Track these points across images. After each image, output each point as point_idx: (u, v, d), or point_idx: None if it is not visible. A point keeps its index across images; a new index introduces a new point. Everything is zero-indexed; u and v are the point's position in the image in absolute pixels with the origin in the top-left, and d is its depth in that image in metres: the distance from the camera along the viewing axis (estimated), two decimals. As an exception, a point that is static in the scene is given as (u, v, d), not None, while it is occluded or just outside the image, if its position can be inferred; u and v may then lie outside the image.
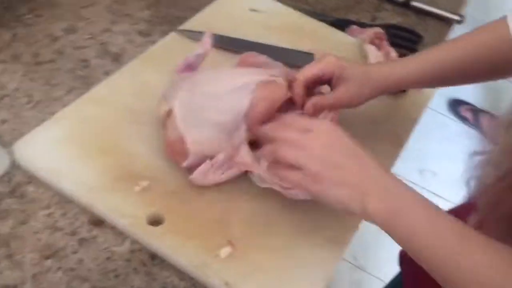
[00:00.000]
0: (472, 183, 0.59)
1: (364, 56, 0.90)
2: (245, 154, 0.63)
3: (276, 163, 0.57)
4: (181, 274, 0.58)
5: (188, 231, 0.60)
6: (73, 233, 0.60)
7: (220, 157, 0.62)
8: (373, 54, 0.88)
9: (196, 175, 0.62)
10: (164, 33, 0.88)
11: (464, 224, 0.50)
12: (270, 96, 0.63)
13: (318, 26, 0.94)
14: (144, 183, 0.63)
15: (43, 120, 0.70)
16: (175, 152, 0.63)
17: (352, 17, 1.02)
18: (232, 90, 0.64)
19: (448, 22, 1.06)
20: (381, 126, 0.79)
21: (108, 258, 0.59)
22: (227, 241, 0.59)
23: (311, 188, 0.54)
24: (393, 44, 0.92)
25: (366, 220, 0.54)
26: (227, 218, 0.62)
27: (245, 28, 0.89)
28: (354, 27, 0.96)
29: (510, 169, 0.52)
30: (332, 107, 0.66)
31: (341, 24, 0.98)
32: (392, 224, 0.51)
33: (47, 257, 0.57)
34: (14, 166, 0.64)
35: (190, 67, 0.73)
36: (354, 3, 1.06)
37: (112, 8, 0.92)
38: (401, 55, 0.91)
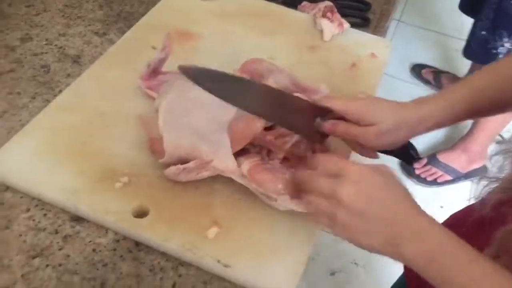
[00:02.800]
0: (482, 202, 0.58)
1: (318, 30, 0.92)
2: (228, 162, 0.63)
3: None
4: (166, 255, 0.61)
5: (174, 218, 0.62)
6: (56, 232, 0.62)
7: (191, 165, 0.62)
8: (327, 27, 0.91)
9: (168, 173, 0.64)
10: (120, 31, 0.90)
11: (495, 265, 0.48)
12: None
13: (272, 7, 0.97)
14: (125, 179, 0.64)
15: (12, 129, 0.71)
16: (153, 149, 0.65)
17: (301, -7, 1.05)
18: (216, 101, 0.63)
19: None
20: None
21: (93, 250, 0.60)
22: (213, 222, 0.61)
23: (341, 235, 0.53)
24: (344, 15, 0.95)
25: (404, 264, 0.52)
26: (210, 201, 0.64)
27: (200, 19, 0.91)
28: (305, 3, 0.99)
29: None
30: (355, 139, 0.63)
31: (293, 3, 1.00)
32: (430, 269, 0.49)
33: (34, 257, 0.59)
34: (-11, 176, 0.66)
35: (155, 72, 0.74)
36: (302, -21, 1.09)
37: (65, 12, 0.92)
38: (352, 25, 0.95)
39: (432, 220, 0.50)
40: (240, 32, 0.89)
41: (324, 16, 0.92)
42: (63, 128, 0.70)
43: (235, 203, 0.64)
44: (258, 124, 0.63)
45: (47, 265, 0.58)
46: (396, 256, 0.50)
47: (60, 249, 0.60)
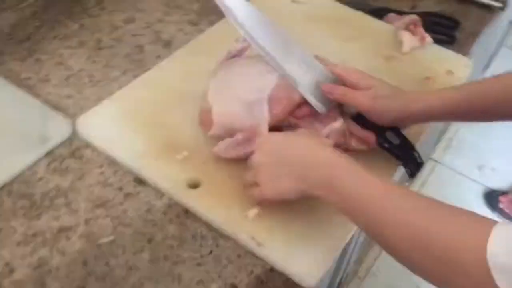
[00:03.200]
0: None
1: (399, 42, 0.94)
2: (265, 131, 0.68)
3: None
4: (209, 226, 0.66)
5: (221, 194, 0.67)
6: (120, 189, 0.70)
7: (239, 136, 0.68)
8: (407, 39, 0.92)
9: (218, 149, 0.69)
10: (211, 22, 0.97)
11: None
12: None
13: (356, 15, 0.99)
14: (185, 153, 0.72)
15: (101, 96, 0.81)
16: (202, 121, 0.72)
17: (392, 6, 1.06)
18: (260, 72, 0.71)
19: (490, 10, 1.07)
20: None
21: (148, 210, 0.68)
22: (255, 203, 0.66)
23: (266, 192, 0.62)
24: (430, 31, 0.95)
25: (317, 197, 0.58)
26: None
27: (287, 20, 0.95)
28: (392, 14, 1.00)
29: None
30: (353, 101, 0.69)
31: (379, 13, 1.02)
32: (333, 193, 0.56)
33: (98, 207, 0.67)
34: (75, 133, 0.75)
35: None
36: (396, -8, 1.10)
37: (166, 1, 1.02)
38: (437, 41, 0.95)
39: (334, 152, 0.58)
40: (322, 35, 0.93)
41: (406, 28, 0.93)
42: (142, 100, 0.78)
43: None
44: (297, 95, 0.69)
45: (107, 216, 0.67)
46: (306, 188, 0.58)
47: (120, 204, 0.68)
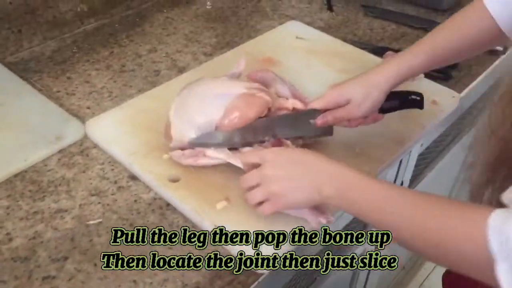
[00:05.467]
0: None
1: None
2: (221, 153, 0.76)
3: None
4: (185, 218, 0.74)
5: (196, 188, 0.75)
6: (115, 182, 0.79)
7: (187, 152, 0.77)
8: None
9: (173, 155, 0.78)
10: (223, 54, 1.09)
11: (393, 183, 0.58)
12: (244, 108, 0.76)
13: (353, 51, 1.08)
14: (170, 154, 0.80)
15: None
16: (166, 134, 0.79)
17: (394, 46, 1.13)
18: (214, 96, 0.77)
19: (491, 52, 1.12)
20: (389, 128, 0.87)
21: (135, 201, 0.77)
22: (225, 197, 0.74)
23: (279, 204, 0.65)
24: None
25: (328, 204, 0.64)
26: (228, 183, 0.76)
27: (289, 51, 1.06)
28: (390, 52, 1.07)
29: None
30: (345, 119, 0.77)
31: (380, 51, 1.10)
32: (345, 202, 0.61)
33: (93, 195, 0.77)
34: (87, 136, 0.87)
35: None
36: (400, 35, 1.18)
37: (188, 36, 1.15)
38: (432, 77, 1.00)
39: (341, 164, 0.62)
40: (317, 66, 1.02)
41: (398, 63, 1.00)
42: (145, 109, 0.89)
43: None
44: (261, 102, 0.76)
45: (99, 203, 0.76)
46: (320, 200, 0.62)
47: (112, 194, 0.77)
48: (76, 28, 1.15)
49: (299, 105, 0.79)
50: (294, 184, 0.64)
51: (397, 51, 1.08)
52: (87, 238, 0.71)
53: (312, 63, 1.03)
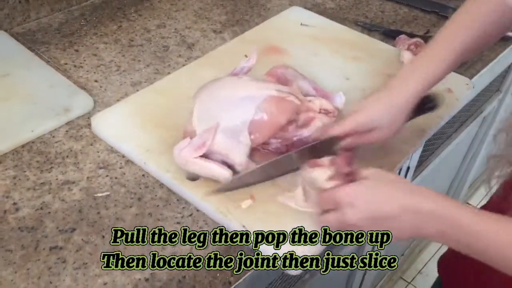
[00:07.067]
0: (493, 183, 0.66)
1: (401, 62, 0.99)
2: (241, 155, 0.72)
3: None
4: (194, 193, 0.73)
5: (217, 187, 0.71)
6: (123, 156, 0.79)
7: (195, 140, 0.72)
8: (408, 58, 0.97)
9: (174, 151, 0.73)
10: (234, 32, 1.07)
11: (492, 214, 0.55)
12: (275, 112, 0.72)
13: (364, 38, 1.06)
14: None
15: (124, 83, 0.92)
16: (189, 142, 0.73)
17: (406, 29, 1.12)
18: (242, 99, 0.73)
19: (503, 38, 1.10)
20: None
21: (143, 175, 0.76)
22: (250, 196, 0.71)
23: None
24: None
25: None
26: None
27: (293, 39, 1.03)
28: (403, 36, 1.06)
29: None
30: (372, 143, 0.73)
31: (392, 35, 1.08)
32: (449, 240, 0.58)
33: (101, 168, 0.76)
34: (95, 109, 0.86)
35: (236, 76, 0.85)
36: (412, 18, 1.16)
37: (197, 12, 1.14)
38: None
39: (438, 199, 0.57)
40: (325, 55, 1.00)
41: (408, 49, 0.99)
42: (153, 103, 0.85)
43: (275, 187, 0.73)
44: (282, 118, 0.72)
45: (107, 176, 0.75)
46: (425, 238, 0.62)
47: (120, 168, 0.77)
48: (84, 0, 1.13)
49: (325, 105, 0.76)
50: (385, 227, 0.59)
51: (410, 34, 1.07)
52: (95, 211, 0.70)
53: (319, 51, 1.00)
